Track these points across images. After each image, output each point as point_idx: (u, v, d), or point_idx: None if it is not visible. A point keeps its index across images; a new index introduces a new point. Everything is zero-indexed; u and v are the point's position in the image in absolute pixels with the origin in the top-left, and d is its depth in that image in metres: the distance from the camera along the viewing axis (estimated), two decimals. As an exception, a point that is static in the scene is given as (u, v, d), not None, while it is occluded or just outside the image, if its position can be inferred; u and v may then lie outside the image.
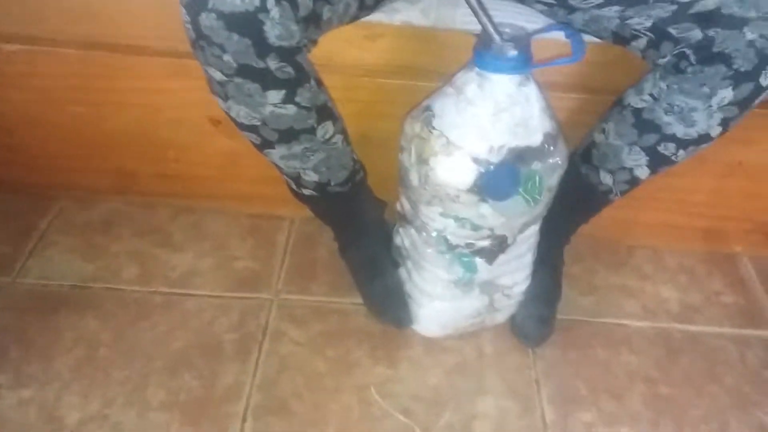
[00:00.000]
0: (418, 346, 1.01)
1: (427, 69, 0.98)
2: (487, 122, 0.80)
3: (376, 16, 0.92)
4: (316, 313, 1.04)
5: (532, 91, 0.81)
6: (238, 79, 0.73)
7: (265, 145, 0.84)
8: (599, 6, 0.82)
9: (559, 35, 0.84)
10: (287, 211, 1.18)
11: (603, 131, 0.90)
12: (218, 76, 0.74)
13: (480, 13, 0.77)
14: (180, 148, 1.12)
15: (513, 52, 0.77)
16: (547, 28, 0.84)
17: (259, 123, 0.79)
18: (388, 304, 1.01)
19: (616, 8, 0.81)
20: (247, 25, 0.69)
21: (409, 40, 0.97)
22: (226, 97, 0.77)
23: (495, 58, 0.78)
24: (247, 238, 1.15)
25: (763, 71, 0.75)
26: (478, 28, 0.79)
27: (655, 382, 0.98)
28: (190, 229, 1.16)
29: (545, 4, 0.87)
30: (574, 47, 0.80)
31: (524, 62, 0.79)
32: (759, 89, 0.76)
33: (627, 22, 0.81)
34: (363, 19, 0.89)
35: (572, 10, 0.85)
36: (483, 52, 0.79)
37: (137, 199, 1.19)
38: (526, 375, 0.98)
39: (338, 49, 0.96)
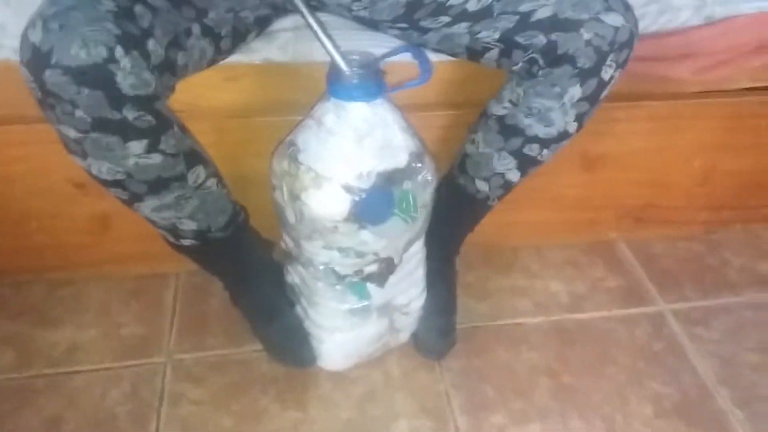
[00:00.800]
0: (325, 382, 0.99)
1: (293, 103, 0.98)
2: (350, 150, 0.81)
3: (234, 58, 0.92)
4: (214, 367, 1.00)
5: (389, 113, 0.82)
6: (94, 134, 0.71)
7: (133, 199, 0.81)
8: (449, 24, 0.86)
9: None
10: (171, 267, 1.13)
11: (473, 142, 0.94)
12: (72, 133, 0.71)
13: (327, 44, 0.78)
14: (43, 217, 1.06)
15: (364, 80, 0.79)
16: (393, 52, 0.87)
17: (124, 177, 0.77)
18: (289, 345, 0.99)
19: (464, 25, 0.85)
20: (97, 77, 0.67)
21: (271, 77, 0.97)
22: (84, 155, 0.74)
23: (348, 87, 0.79)
24: (130, 301, 1.10)
25: (603, 66, 0.81)
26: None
27: (557, 374, 1.01)
28: (68, 302, 1.09)
29: (399, 28, 0.90)
30: (421, 68, 0.83)
31: (376, 88, 0.80)
32: (602, 83, 0.82)
33: (477, 36, 0.85)
34: (223, 62, 0.89)
35: (425, 31, 0.88)
36: (335, 81, 0.80)
37: (6, 279, 1.11)
38: (436, 389, 0.98)
39: (201, 94, 0.95)
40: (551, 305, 1.13)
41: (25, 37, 0.67)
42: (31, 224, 1.06)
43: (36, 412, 0.93)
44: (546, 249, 1.23)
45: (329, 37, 0.78)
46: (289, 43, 0.96)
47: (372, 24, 0.92)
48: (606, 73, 0.81)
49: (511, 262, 1.20)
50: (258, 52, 0.95)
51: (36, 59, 0.66)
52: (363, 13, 0.89)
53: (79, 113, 0.68)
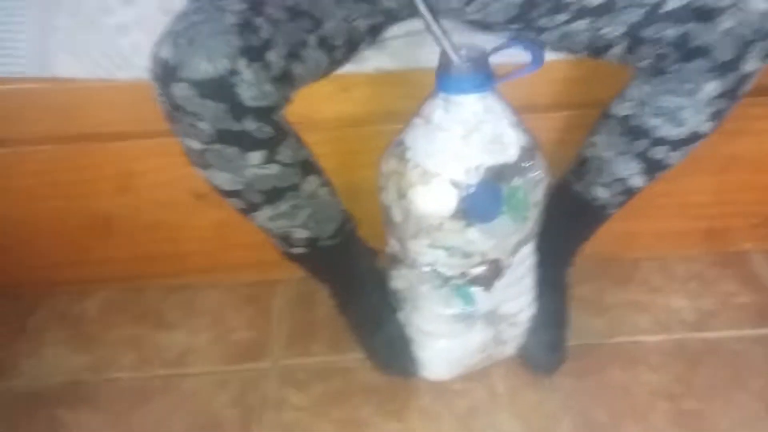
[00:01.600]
0: (426, 394, 0.97)
1: (405, 111, 0.96)
2: (458, 144, 0.79)
3: (347, 68, 0.91)
4: (318, 374, 1.01)
5: (498, 107, 0.79)
6: (216, 146, 0.73)
7: (250, 208, 0.82)
8: (568, 22, 0.81)
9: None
10: (281, 275, 1.15)
11: (592, 144, 0.88)
12: (196, 145, 0.73)
13: (438, 34, 0.76)
14: (166, 227, 1.10)
15: (472, 71, 0.76)
16: (503, 45, 0.83)
17: (242, 187, 0.78)
18: (393, 355, 0.98)
19: (585, 21, 0.80)
20: (221, 90, 0.68)
21: (383, 85, 0.97)
22: (206, 166, 0.76)
23: (456, 79, 0.77)
24: (242, 308, 1.13)
25: (744, 58, 0.73)
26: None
27: (679, 398, 0.93)
28: (184, 307, 1.14)
29: (514, 29, 0.87)
30: (532, 55, 0.79)
31: (485, 79, 0.78)
32: (743, 78, 0.75)
33: (599, 32, 0.79)
34: (335, 72, 0.88)
35: (541, 30, 0.84)
36: (444, 75, 0.78)
37: (129, 284, 1.17)
38: (543, 410, 0.93)
39: (316, 106, 0.95)
40: (674, 323, 1.04)
41: (155, 53, 0.70)
42: (155, 234, 1.11)
43: (149, 412, 0.97)
44: (670, 261, 1.14)
45: (440, 27, 0.76)
46: (400, 51, 0.95)
47: (486, 27, 0.89)
48: (749, 66, 0.74)
49: (630, 275, 1.12)
50: (370, 60, 0.94)
51: (165, 74, 0.69)
52: (476, 16, 0.86)
53: (203, 125, 0.70)
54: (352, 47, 0.87)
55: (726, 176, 1.07)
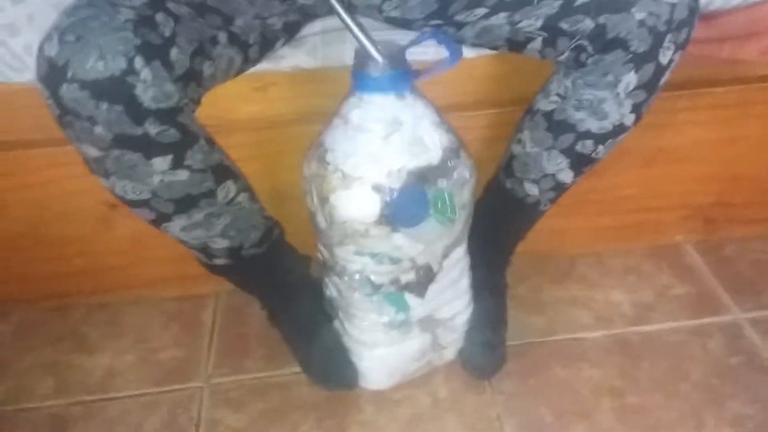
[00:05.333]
0: (368, 405, 0.93)
1: (326, 110, 0.93)
2: (379, 146, 0.76)
3: (261, 66, 0.88)
4: (253, 391, 0.96)
5: (418, 106, 0.77)
6: (115, 152, 0.67)
7: (161, 219, 0.77)
8: (486, 16, 0.80)
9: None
10: (209, 288, 1.10)
11: (519, 141, 0.88)
12: (93, 152, 0.68)
13: (355, 30, 0.73)
14: (79, 240, 1.04)
15: (389, 69, 0.74)
16: (417, 40, 0.81)
17: (149, 196, 0.73)
18: (330, 366, 0.94)
19: (503, 15, 0.79)
20: (116, 91, 0.64)
21: (301, 84, 0.93)
22: (106, 174, 0.71)
23: (372, 78, 0.75)
24: (169, 324, 1.07)
25: (660, 49, 0.73)
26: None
27: (622, 393, 0.92)
28: (106, 327, 1.07)
29: (432, 26, 0.85)
30: (449, 50, 0.78)
31: (403, 77, 0.75)
32: (660, 68, 0.75)
33: (518, 26, 0.79)
34: (250, 71, 0.85)
35: (460, 26, 0.83)
36: (360, 73, 0.75)
37: (46, 304, 1.10)
38: (487, 413, 0.91)
39: (231, 106, 0.92)
40: (613, 317, 1.04)
41: (41, 51, 0.65)
42: (67, 248, 1.04)
43: (71, 442, 0.90)
44: (606, 256, 1.14)
45: (357, 23, 0.74)
46: (318, 48, 0.92)
47: (404, 24, 0.87)
48: (664, 57, 0.74)
49: (567, 272, 1.12)
50: (286, 58, 0.91)
51: (52, 74, 0.63)
52: (394, 13, 0.84)
53: (98, 130, 0.65)
54: (267, 45, 0.84)
55: (653, 170, 1.08)
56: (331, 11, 0.86)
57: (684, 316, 1.03)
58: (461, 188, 0.80)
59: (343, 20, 0.73)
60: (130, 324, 1.07)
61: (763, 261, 1.12)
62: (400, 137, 0.76)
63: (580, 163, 0.85)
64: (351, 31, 0.73)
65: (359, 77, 0.76)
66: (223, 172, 0.78)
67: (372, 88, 0.75)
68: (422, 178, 0.77)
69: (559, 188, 0.89)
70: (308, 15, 0.89)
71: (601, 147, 0.82)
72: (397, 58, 0.75)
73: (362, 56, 0.74)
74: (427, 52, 0.87)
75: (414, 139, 0.76)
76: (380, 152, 0.76)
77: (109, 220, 1.01)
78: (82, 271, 1.07)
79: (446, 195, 0.78)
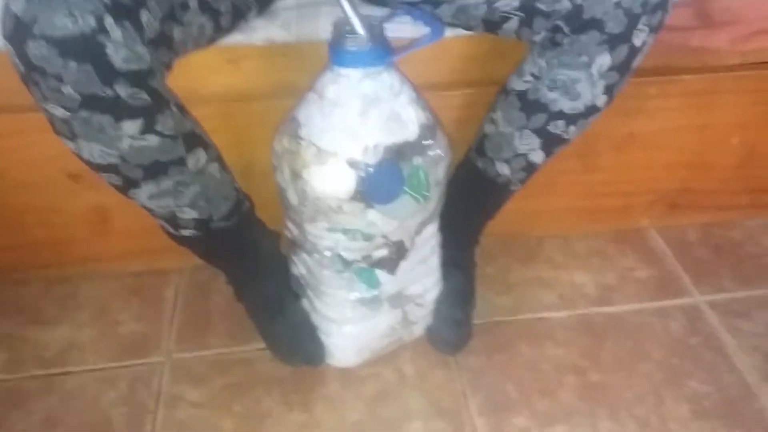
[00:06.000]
0: (333, 381, 0.93)
1: (298, 85, 0.91)
2: (355, 122, 0.74)
3: (235, 38, 0.87)
4: (215, 367, 0.94)
5: (397, 82, 0.76)
6: (83, 113, 0.65)
7: (129, 185, 0.75)
8: None
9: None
10: (173, 263, 1.08)
11: (492, 121, 0.88)
12: (60, 112, 0.66)
13: (346, 4, 0.72)
14: (38, 211, 1.01)
15: (368, 43, 0.72)
16: (394, 15, 0.80)
17: (117, 161, 0.71)
18: (295, 343, 0.93)
19: None
20: (85, 49, 0.61)
21: (274, 57, 0.92)
22: (73, 136, 0.69)
23: (352, 52, 0.73)
24: (130, 299, 1.05)
25: (635, 31, 0.74)
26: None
27: (585, 372, 0.93)
28: (64, 300, 1.04)
29: (409, 3, 0.84)
30: (430, 25, 0.77)
31: (382, 52, 0.74)
32: (634, 50, 0.76)
33: (494, 5, 0.79)
34: (222, 43, 0.84)
35: (437, 4, 0.83)
36: (338, 47, 0.74)
37: (4, 277, 1.06)
38: (452, 389, 0.91)
39: (202, 78, 0.90)
40: (577, 298, 1.05)
41: (6, 7, 0.62)
42: (26, 219, 1.01)
43: (27, 416, 0.88)
44: (572, 238, 1.15)
45: None
46: (292, 21, 0.90)
47: (380, 1, 0.86)
48: (638, 39, 0.75)
49: (534, 253, 1.13)
50: (259, 31, 0.89)
51: (18, 31, 0.61)
52: None
53: (66, 89, 0.63)
54: (238, 14, 0.82)
55: (623, 155, 1.09)
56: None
57: (646, 298, 1.05)
58: (436, 166, 0.80)
59: None
60: (89, 298, 1.05)
61: (723, 246, 1.14)
62: (377, 113, 0.75)
63: (551, 143, 0.85)
64: (341, 2, 0.72)
65: (337, 51, 0.74)
66: (195, 140, 0.77)
67: (350, 63, 0.74)
68: (398, 154, 0.76)
69: (530, 168, 0.89)
70: (280, -13, 0.88)
71: (572, 127, 0.83)
72: (376, 33, 0.73)
73: (341, 30, 0.73)
74: (402, 29, 0.86)
75: (391, 115, 0.75)
76: (356, 128, 0.74)
77: (72, 191, 0.98)
78: (41, 243, 1.04)
79: (421, 172, 0.78)
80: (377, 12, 0.84)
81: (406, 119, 0.76)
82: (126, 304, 1.04)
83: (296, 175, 0.77)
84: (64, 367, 0.94)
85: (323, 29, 0.89)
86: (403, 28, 0.85)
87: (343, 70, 0.74)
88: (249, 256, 0.93)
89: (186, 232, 0.85)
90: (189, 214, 0.81)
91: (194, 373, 0.93)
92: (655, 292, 1.06)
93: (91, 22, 0.61)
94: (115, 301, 1.04)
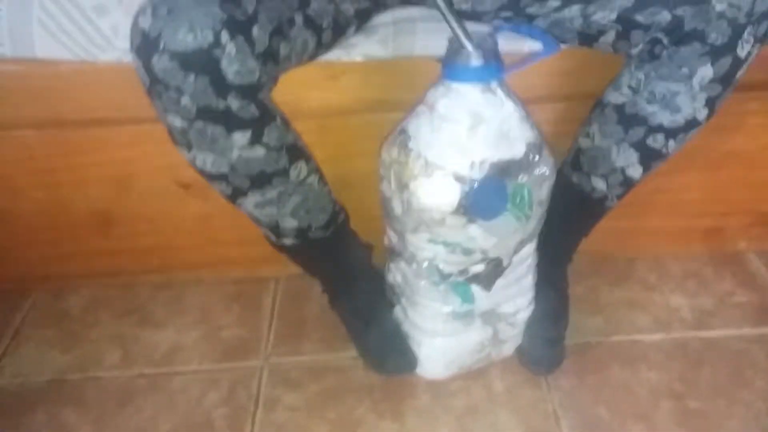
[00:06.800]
0: (423, 393, 0.94)
1: (395, 100, 0.95)
2: (464, 137, 0.76)
3: (334, 54, 0.90)
4: (311, 373, 0.97)
5: (507, 99, 0.77)
6: (199, 123, 0.70)
7: (237, 194, 0.79)
8: (559, 9, 0.80)
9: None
10: (271, 271, 1.12)
11: (588, 135, 0.87)
12: (178, 122, 0.70)
13: (451, 19, 0.73)
14: (151, 219, 1.07)
15: (482, 59, 0.74)
16: (499, 29, 0.81)
17: (227, 170, 0.76)
18: (387, 351, 0.95)
19: (576, 7, 0.79)
20: (203, 62, 0.66)
21: (372, 73, 0.94)
22: (189, 146, 0.74)
23: (464, 68, 0.74)
24: (231, 305, 1.10)
25: (739, 41, 0.72)
26: (438, 52, 0.76)
27: (682, 397, 0.91)
28: (171, 304, 1.10)
29: (503, 18, 0.85)
30: (543, 41, 0.77)
31: (495, 68, 0.75)
32: (738, 61, 0.74)
33: (591, 18, 0.79)
34: (322, 59, 0.87)
35: (532, 18, 0.83)
36: (451, 62, 0.75)
37: (114, 280, 1.14)
38: (543, 409, 0.91)
39: (302, 94, 0.93)
40: (673, 321, 1.03)
41: (135, 24, 0.67)
42: (139, 227, 1.08)
43: (135, 412, 0.93)
44: (665, 260, 1.13)
45: (453, 11, 0.73)
46: (390, 38, 0.93)
47: (475, 16, 0.87)
48: (742, 50, 0.73)
49: (626, 274, 1.11)
50: (358, 47, 0.92)
51: (145, 45, 0.66)
52: (464, 6, 0.85)
53: (185, 100, 0.68)
54: (338, 30, 0.85)
55: (720, 174, 1.06)
56: (402, 2, 0.88)
57: (747, 324, 1.01)
58: (540, 185, 0.80)
59: (438, 7, 0.73)
60: (193, 303, 1.10)
61: (828, 273, 1.10)
62: (486, 129, 0.75)
63: (650, 157, 0.84)
64: (446, 18, 0.73)
65: (450, 66, 0.75)
66: (297, 152, 0.80)
67: (462, 78, 0.75)
68: (504, 171, 0.76)
69: (627, 184, 0.88)
70: (380, 4, 0.90)
71: (672, 141, 0.81)
72: (488, 49, 0.74)
73: (454, 45, 0.74)
74: (506, 43, 0.87)
75: (499, 132, 0.76)
76: (464, 143, 0.76)
77: (182, 200, 1.03)
78: (150, 249, 1.10)
79: (525, 190, 0.78)
80: (480, 28, 0.85)
81: (513, 137, 0.77)
82: (227, 310, 1.09)
83: (403, 186, 0.80)
84: (171, 367, 0.99)
85: (420, 45, 0.91)
86: (507, 42, 0.86)
87: (455, 85, 0.75)
88: (343, 266, 0.96)
89: (286, 241, 0.88)
90: (290, 223, 0.85)
91: (290, 378, 0.97)
92: (756, 318, 1.02)
93: (209, 36, 0.65)
94: (217, 307, 1.09)
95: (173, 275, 1.13)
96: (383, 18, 0.93)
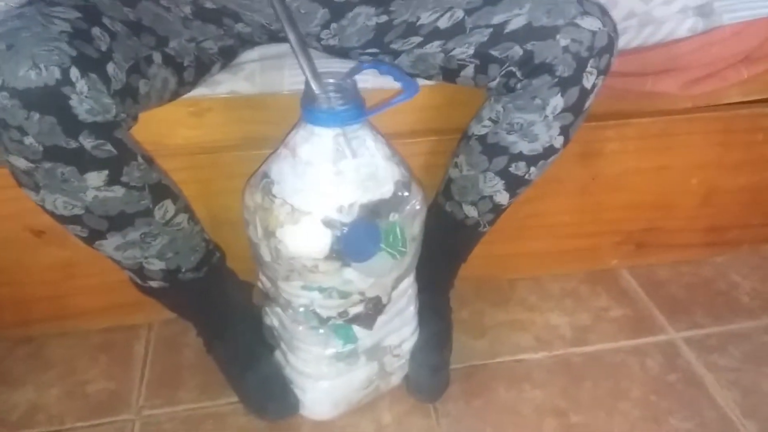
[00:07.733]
0: (309, 434, 0.90)
1: (263, 136, 0.93)
2: (329, 181, 0.74)
3: (199, 91, 0.88)
4: (187, 423, 0.91)
5: (370, 139, 0.76)
6: (47, 164, 0.65)
7: (94, 236, 0.74)
8: (421, 44, 0.83)
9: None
10: (143, 317, 1.06)
11: (456, 165, 0.89)
12: (23, 164, 0.65)
13: (303, 63, 0.72)
14: (2, 270, 0.98)
15: (340, 103, 0.72)
16: (361, 68, 0.81)
17: (81, 212, 0.71)
18: (268, 396, 0.91)
19: (437, 43, 0.82)
20: (49, 101, 0.62)
21: (238, 110, 0.92)
22: (36, 188, 0.68)
23: (324, 112, 0.72)
24: (98, 356, 1.02)
25: (584, 74, 0.77)
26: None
27: (565, 413, 0.92)
28: (29, 360, 1.01)
29: (369, 54, 0.87)
30: (403, 83, 0.78)
31: (356, 111, 0.74)
32: (585, 92, 0.79)
33: (451, 54, 0.82)
34: (186, 96, 0.85)
35: (397, 54, 0.85)
36: (309, 106, 0.73)
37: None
38: (432, 437, 0.89)
39: (166, 131, 0.90)
40: (553, 339, 1.05)
41: None
42: (-12, 277, 0.98)
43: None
44: (544, 280, 1.16)
45: (306, 53, 0.72)
46: (256, 74, 0.91)
47: (342, 52, 0.89)
48: (587, 81, 0.78)
49: (507, 296, 1.13)
50: (223, 83, 0.90)
51: None
52: (332, 42, 0.85)
53: (29, 140, 0.63)
54: (202, 68, 0.84)
55: (588, 197, 1.11)
56: (270, 39, 0.87)
57: (622, 337, 1.05)
58: (412, 220, 0.80)
59: (293, 50, 0.71)
60: (56, 357, 1.01)
61: (694, 283, 1.16)
62: (352, 172, 0.74)
63: (515, 184, 0.87)
64: (299, 61, 0.72)
65: (309, 110, 0.73)
66: (162, 191, 0.76)
67: (321, 122, 0.73)
68: (374, 212, 0.75)
69: (497, 209, 0.90)
70: (245, 41, 0.89)
71: (533, 168, 0.85)
72: (349, 92, 0.73)
73: (310, 88, 0.73)
74: (367, 80, 0.88)
75: (366, 174, 0.75)
76: (331, 187, 0.74)
77: (36, 248, 0.96)
78: (5, 302, 1.01)
79: (398, 228, 0.78)
80: (341, 65, 0.85)
81: (380, 176, 0.76)
82: (94, 362, 1.00)
83: (269, 233, 0.76)
84: (31, 430, 0.90)
85: (288, 81, 0.91)
86: (365, 80, 0.86)
87: (317, 129, 0.73)
88: (219, 308, 0.91)
89: (154, 284, 0.83)
90: (156, 265, 0.80)
91: (165, 430, 0.90)
92: (631, 331, 1.06)
93: (56, 74, 0.61)
94: (82, 360, 1.01)
95: (32, 329, 1.04)
96: (249, 55, 0.92)
